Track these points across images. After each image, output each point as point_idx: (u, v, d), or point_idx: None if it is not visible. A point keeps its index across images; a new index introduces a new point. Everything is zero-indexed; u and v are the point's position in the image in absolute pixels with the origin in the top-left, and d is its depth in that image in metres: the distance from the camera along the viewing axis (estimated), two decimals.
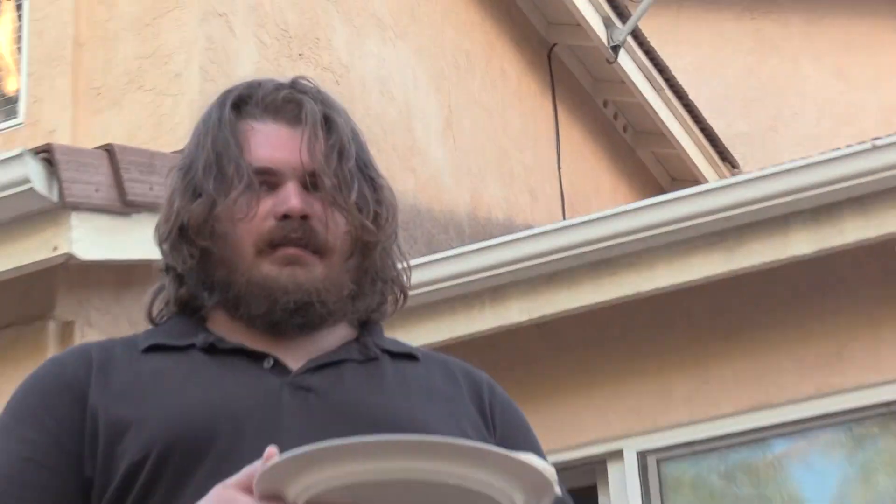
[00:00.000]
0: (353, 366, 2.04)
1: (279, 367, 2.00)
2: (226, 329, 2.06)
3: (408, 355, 2.14)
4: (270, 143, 2.06)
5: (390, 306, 2.16)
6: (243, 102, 2.11)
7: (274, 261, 2.01)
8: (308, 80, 2.16)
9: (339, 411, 1.94)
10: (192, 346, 2.03)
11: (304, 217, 2.01)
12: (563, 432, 6.18)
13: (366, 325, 2.14)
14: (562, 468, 2.13)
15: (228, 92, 2.14)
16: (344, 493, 1.63)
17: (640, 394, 6.33)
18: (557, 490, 1.69)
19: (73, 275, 5.74)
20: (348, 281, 2.05)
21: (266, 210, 2.02)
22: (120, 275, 5.89)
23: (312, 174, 2.03)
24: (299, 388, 1.97)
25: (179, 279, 2.10)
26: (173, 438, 1.87)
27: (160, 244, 2.12)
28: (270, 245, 2.01)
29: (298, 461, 1.61)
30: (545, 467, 1.68)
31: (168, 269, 2.12)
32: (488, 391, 2.15)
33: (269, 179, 2.04)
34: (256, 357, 2.01)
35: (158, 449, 1.87)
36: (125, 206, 5.52)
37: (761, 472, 6.13)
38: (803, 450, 6.11)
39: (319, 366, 2.01)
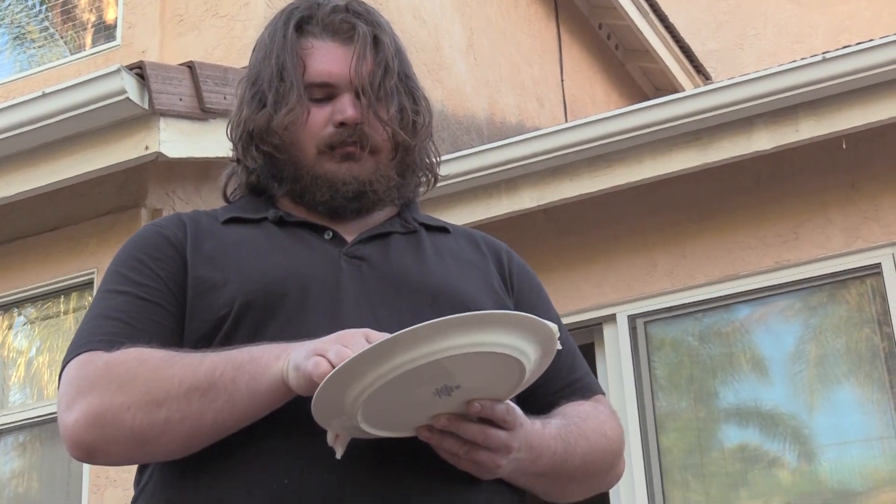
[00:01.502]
0: (398, 237, 2.05)
1: (337, 238, 2.01)
2: (291, 209, 2.06)
3: (441, 228, 2.15)
4: (328, 59, 2.04)
5: (424, 186, 2.17)
6: (305, 22, 2.07)
7: (333, 158, 2.01)
8: (361, 2, 2.12)
9: (387, 278, 1.95)
10: (264, 219, 2.04)
11: (358, 123, 2.00)
12: (566, 300, 6.19)
13: (405, 203, 2.14)
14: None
15: (293, 10, 2.10)
16: (382, 391, 1.60)
17: (629, 267, 6.32)
18: (558, 344, 1.68)
19: (161, 170, 5.74)
20: (394, 173, 2.05)
21: (325, 117, 2.01)
22: (199, 170, 5.89)
23: (362, 87, 2.01)
24: (354, 256, 1.97)
25: (249, 169, 2.09)
26: (251, 297, 1.87)
27: (234, 145, 2.12)
28: (330, 147, 2.01)
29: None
30: (550, 324, 1.65)
31: (239, 161, 2.11)
32: (507, 257, 2.15)
33: (326, 91, 2.03)
34: (318, 230, 2.02)
35: (239, 305, 1.86)
36: (203, 112, 5.52)
37: (729, 333, 6.13)
38: (764, 314, 6.11)
39: (370, 237, 2.02)
